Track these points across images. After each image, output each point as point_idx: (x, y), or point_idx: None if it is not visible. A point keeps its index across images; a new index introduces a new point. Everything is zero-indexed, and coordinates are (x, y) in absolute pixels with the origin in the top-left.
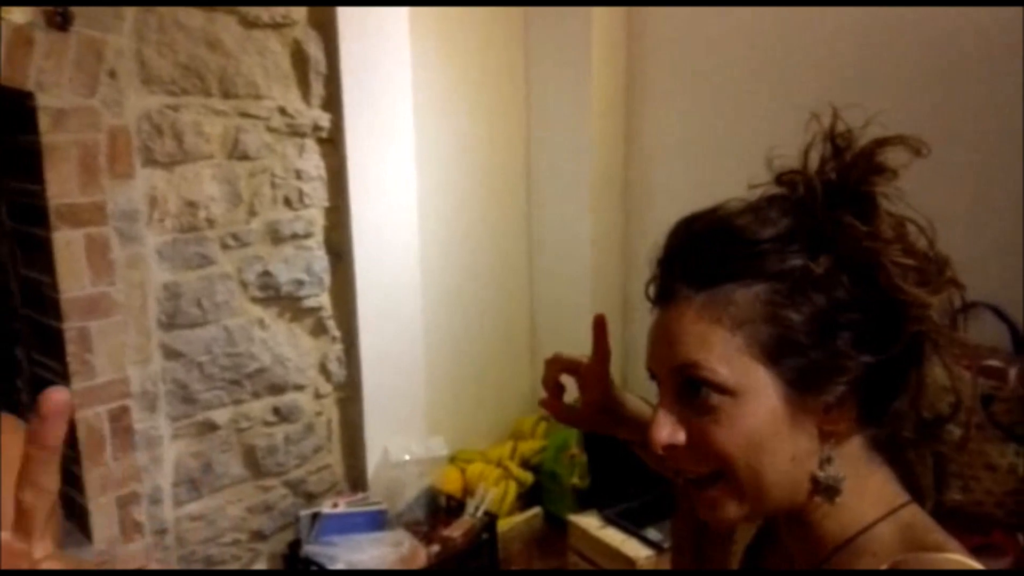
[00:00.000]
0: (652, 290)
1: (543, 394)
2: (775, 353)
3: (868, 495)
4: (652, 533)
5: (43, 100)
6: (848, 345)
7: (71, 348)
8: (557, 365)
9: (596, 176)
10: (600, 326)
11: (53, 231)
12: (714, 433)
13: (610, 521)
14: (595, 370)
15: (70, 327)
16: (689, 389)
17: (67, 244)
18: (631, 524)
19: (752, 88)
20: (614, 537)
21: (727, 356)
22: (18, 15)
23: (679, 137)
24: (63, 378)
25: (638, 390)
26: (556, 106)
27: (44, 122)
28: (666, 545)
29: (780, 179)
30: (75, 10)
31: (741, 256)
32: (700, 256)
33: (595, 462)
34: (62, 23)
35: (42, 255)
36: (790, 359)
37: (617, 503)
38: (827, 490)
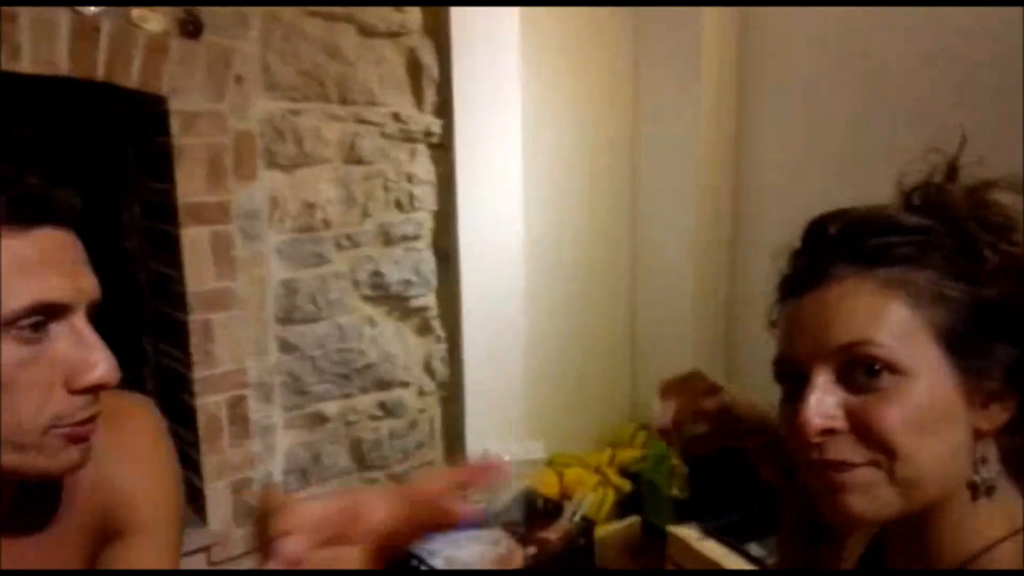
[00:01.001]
0: (792, 279)
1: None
2: (951, 337)
3: (998, 509)
4: (755, 548)
5: (175, 104)
6: (1007, 339)
7: (195, 339)
8: (691, 401)
9: (703, 182)
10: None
11: (181, 228)
12: (880, 413)
13: (710, 534)
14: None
15: (194, 319)
16: (853, 369)
17: (194, 241)
18: (732, 538)
19: (870, 93)
20: (714, 550)
21: (903, 333)
22: (154, 24)
23: (793, 143)
24: (186, 367)
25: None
26: (665, 110)
27: (176, 125)
28: (770, 561)
29: (911, 194)
30: (205, 19)
31: (910, 243)
32: (867, 239)
33: (696, 474)
34: (194, 31)
35: (170, 251)
36: (962, 345)
37: (718, 516)
38: (986, 490)
